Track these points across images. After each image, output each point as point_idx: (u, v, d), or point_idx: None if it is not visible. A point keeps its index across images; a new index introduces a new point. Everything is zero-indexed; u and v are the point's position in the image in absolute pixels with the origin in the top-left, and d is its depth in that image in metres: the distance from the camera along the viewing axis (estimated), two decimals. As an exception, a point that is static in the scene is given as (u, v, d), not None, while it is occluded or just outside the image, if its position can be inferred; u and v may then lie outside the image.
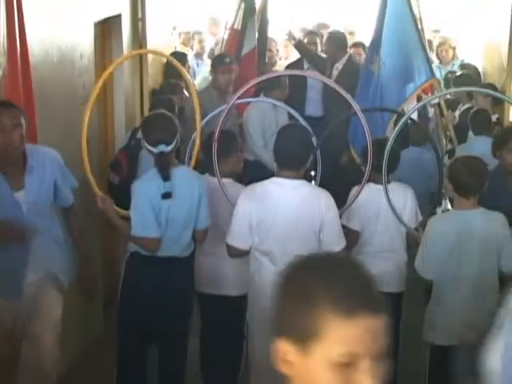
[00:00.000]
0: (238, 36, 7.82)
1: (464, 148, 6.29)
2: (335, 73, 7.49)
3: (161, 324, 4.56)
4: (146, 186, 4.42)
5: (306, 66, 8.00)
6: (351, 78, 7.01)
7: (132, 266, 4.59)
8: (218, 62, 7.06)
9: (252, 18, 7.77)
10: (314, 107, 7.67)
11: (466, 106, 7.75)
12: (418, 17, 7.67)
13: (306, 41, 8.90)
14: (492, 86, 7.32)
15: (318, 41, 8.85)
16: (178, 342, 4.67)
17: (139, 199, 4.40)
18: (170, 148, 4.39)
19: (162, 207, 4.38)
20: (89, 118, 4.74)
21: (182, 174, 4.48)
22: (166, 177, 4.34)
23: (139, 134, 5.62)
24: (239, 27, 7.83)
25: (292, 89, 7.34)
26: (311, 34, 9.04)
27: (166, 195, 4.33)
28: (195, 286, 5.06)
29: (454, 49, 9.79)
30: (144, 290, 4.47)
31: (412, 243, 4.95)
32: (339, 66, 7.59)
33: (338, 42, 7.74)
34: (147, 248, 4.45)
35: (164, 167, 4.38)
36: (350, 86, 6.35)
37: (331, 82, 5.17)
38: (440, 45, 9.73)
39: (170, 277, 4.47)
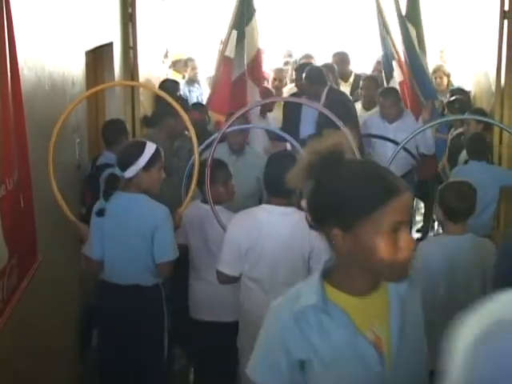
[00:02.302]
0: (231, 64, 7.83)
1: (459, 172, 6.31)
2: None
3: (126, 351, 4.64)
4: (97, 207, 4.57)
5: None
6: (334, 108, 7.00)
7: (98, 292, 4.73)
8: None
9: (241, 43, 7.78)
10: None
11: (458, 130, 7.81)
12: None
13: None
14: (482, 111, 7.37)
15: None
16: (149, 372, 4.70)
17: (91, 219, 4.57)
18: (126, 174, 4.45)
19: (104, 229, 4.48)
20: (53, 150, 4.70)
21: (133, 201, 4.50)
22: (105, 196, 4.47)
23: (99, 161, 5.69)
24: (231, 55, 7.83)
25: (285, 121, 7.41)
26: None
27: (99, 212, 4.44)
28: (189, 312, 5.08)
29: (448, 76, 9.83)
30: (105, 317, 4.63)
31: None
32: (322, 99, 7.54)
33: (315, 77, 7.67)
34: (90, 268, 4.64)
35: (106, 188, 4.52)
36: (337, 114, 6.38)
37: (326, 111, 5.19)
38: (434, 72, 9.78)
39: (127, 307, 4.52)
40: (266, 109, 7.70)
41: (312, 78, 7.63)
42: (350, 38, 12.34)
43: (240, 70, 7.75)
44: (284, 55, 11.33)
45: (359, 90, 8.71)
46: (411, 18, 8.08)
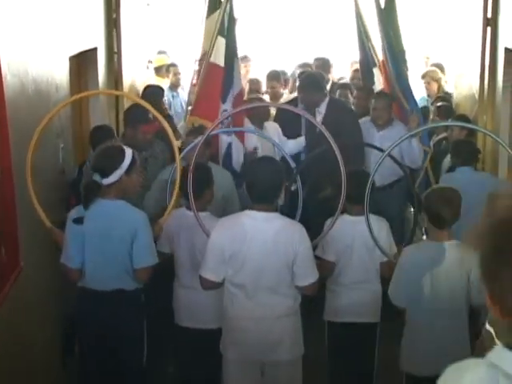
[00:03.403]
0: (222, 73, 7.62)
1: (447, 179, 6.27)
2: (319, 117, 7.02)
3: (108, 355, 4.62)
4: (73, 215, 4.49)
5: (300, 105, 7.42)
6: (337, 118, 6.79)
7: (78, 299, 4.66)
8: (139, 118, 5.78)
9: (236, 56, 7.64)
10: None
11: (441, 136, 7.84)
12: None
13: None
14: (466, 118, 7.40)
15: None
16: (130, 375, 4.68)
17: (67, 227, 4.50)
18: (105, 181, 4.40)
19: (85, 237, 4.42)
20: (32, 154, 4.58)
21: (113, 208, 4.45)
22: (84, 204, 4.39)
23: (85, 166, 5.63)
24: (217, 62, 7.71)
25: (288, 130, 7.19)
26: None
27: (78, 220, 4.37)
28: (174, 319, 5.07)
29: (438, 81, 9.81)
30: (86, 324, 4.58)
31: (386, 274, 4.92)
32: (322, 109, 7.13)
33: (311, 84, 7.20)
34: (68, 277, 4.56)
35: (86, 195, 4.41)
36: (338, 124, 6.25)
37: (311, 118, 5.21)
38: (422, 77, 9.81)
39: (108, 311, 4.49)
40: (262, 119, 7.17)
41: (307, 85, 7.21)
42: (324, 45, 12.34)
43: (238, 86, 7.52)
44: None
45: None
46: (389, 24, 8.05)
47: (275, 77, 9.12)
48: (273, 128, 7.15)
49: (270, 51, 12.37)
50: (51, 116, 4.81)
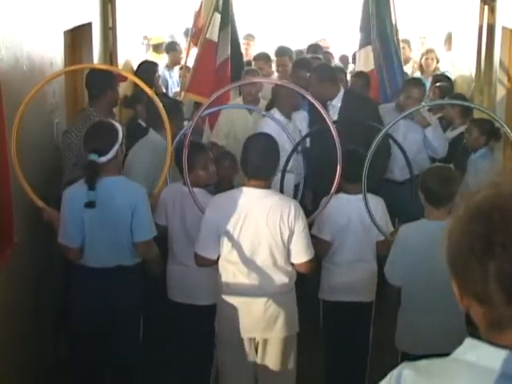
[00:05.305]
0: (213, 47, 7.68)
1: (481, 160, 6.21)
2: (332, 111, 6.37)
3: (104, 333, 4.58)
4: (71, 194, 4.42)
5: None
6: (355, 114, 6.21)
7: (76, 277, 4.61)
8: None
9: (226, 28, 7.68)
10: None
11: (438, 115, 7.82)
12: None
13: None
14: (462, 96, 7.38)
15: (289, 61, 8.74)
16: (124, 349, 4.65)
17: (63, 207, 4.43)
18: (103, 158, 4.33)
19: (85, 216, 4.36)
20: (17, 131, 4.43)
21: (115, 185, 4.41)
22: (91, 186, 4.30)
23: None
24: (212, 37, 7.74)
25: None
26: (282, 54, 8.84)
27: (89, 204, 4.29)
28: (167, 295, 5.07)
29: (437, 61, 9.81)
30: (85, 302, 4.51)
31: (382, 252, 4.91)
32: (336, 103, 6.44)
33: (329, 75, 6.55)
34: (68, 256, 4.50)
35: (91, 176, 4.33)
36: (356, 120, 6.02)
37: (305, 93, 5.16)
38: (425, 53, 9.77)
39: (109, 287, 4.46)
40: (290, 110, 6.57)
41: (322, 73, 6.53)
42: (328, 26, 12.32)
43: (224, 55, 7.61)
44: None
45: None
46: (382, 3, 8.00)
47: (286, 52, 8.95)
48: (300, 118, 6.75)
49: (274, 31, 12.31)
50: (34, 93, 4.67)
